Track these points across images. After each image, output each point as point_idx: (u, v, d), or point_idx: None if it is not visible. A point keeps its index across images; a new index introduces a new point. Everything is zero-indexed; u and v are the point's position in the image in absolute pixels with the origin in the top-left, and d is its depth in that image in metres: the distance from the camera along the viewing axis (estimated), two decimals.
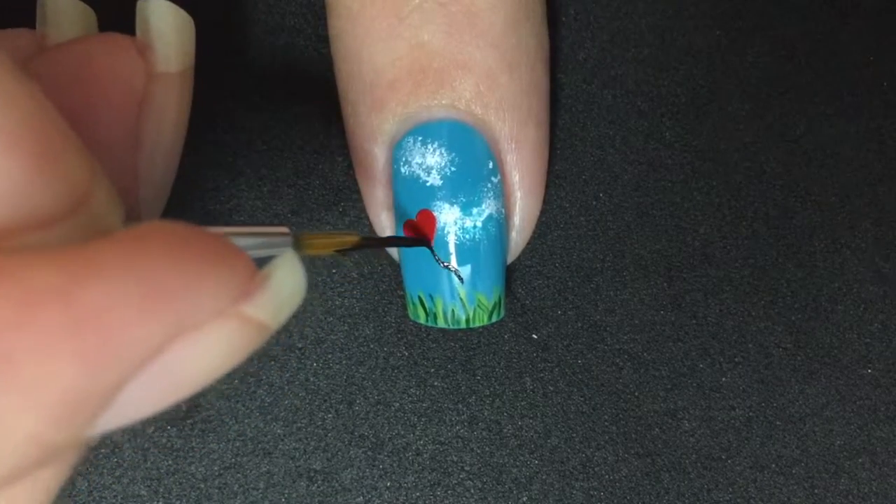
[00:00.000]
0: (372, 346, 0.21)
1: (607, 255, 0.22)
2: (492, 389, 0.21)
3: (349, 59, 0.19)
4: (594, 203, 0.22)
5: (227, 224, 0.13)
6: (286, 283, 0.12)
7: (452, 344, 0.21)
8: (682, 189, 0.22)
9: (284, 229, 0.14)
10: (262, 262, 0.12)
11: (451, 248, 0.19)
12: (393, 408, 0.21)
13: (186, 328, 0.10)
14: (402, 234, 0.19)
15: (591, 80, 0.22)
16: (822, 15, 0.22)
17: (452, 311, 0.19)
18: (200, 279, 0.10)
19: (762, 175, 0.22)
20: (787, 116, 0.22)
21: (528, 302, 0.22)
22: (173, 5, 0.15)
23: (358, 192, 0.21)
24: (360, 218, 0.21)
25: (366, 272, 0.21)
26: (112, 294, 0.09)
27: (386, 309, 0.21)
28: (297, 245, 0.14)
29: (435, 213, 0.19)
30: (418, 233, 0.19)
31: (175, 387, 0.11)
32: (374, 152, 0.19)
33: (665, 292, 0.22)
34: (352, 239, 0.16)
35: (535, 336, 0.21)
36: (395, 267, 0.21)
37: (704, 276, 0.22)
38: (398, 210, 0.19)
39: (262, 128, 0.21)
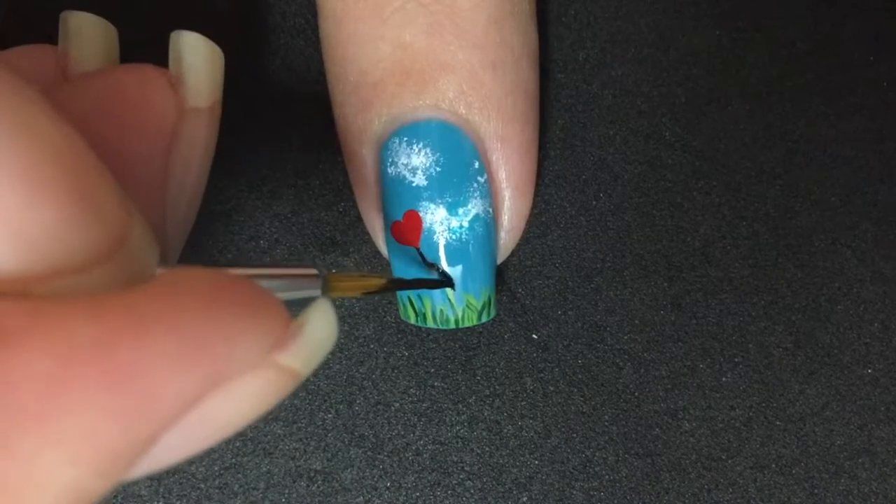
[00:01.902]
0: (372, 346, 0.21)
1: (607, 255, 0.22)
2: (492, 389, 0.21)
3: (336, 61, 0.19)
4: (594, 203, 0.22)
5: (258, 265, 0.13)
6: (319, 332, 0.12)
7: (452, 344, 0.21)
8: (682, 189, 0.22)
9: (314, 271, 0.14)
10: (290, 303, 0.12)
11: (439, 249, 0.19)
12: (393, 408, 0.21)
13: (224, 379, 0.10)
14: (390, 235, 0.19)
15: (591, 80, 0.22)
16: (822, 15, 0.22)
17: (441, 311, 0.19)
18: (237, 331, 0.10)
19: (762, 175, 0.22)
20: (787, 116, 0.22)
21: (528, 302, 0.22)
22: (206, 39, 0.15)
23: None
24: (360, 218, 0.21)
25: (366, 273, 0.21)
26: (149, 349, 0.09)
27: (386, 309, 0.21)
28: (326, 287, 0.14)
29: (421, 214, 0.19)
30: (405, 234, 0.19)
31: (209, 434, 0.11)
32: (363, 153, 0.19)
33: (665, 292, 0.22)
34: (378, 282, 0.16)
35: (535, 336, 0.21)
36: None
37: (704, 276, 0.22)
38: (386, 211, 0.19)
39: (262, 128, 0.21)
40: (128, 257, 0.10)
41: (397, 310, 0.21)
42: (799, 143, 0.22)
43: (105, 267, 0.10)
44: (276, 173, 0.21)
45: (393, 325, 0.21)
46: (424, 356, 0.21)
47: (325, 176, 0.21)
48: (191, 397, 0.10)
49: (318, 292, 0.14)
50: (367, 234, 0.21)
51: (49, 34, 0.15)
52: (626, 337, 0.21)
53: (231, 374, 0.10)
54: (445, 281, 0.19)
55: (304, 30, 0.21)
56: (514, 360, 0.21)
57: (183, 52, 0.14)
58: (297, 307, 0.13)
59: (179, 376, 0.10)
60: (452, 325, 0.19)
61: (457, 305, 0.19)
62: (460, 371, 0.21)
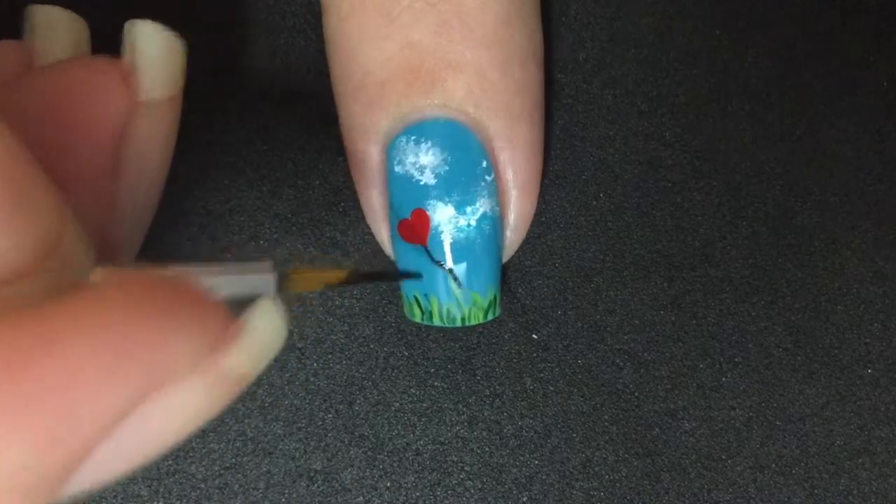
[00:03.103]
0: (372, 346, 0.21)
1: (607, 255, 0.22)
2: (492, 389, 0.21)
3: (341, 60, 0.19)
4: (594, 203, 0.22)
5: (207, 260, 0.13)
6: (265, 331, 0.11)
7: (452, 344, 0.21)
8: (682, 189, 0.22)
9: (267, 266, 0.13)
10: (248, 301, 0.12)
11: (446, 247, 0.19)
12: (393, 408, 0.21)
13: (156, 387, 0.10)
14: (397, 234, 0.19)
15: (591, 80, 0.22)
16: (822, 15, 0.22)
17: (448, 310, 0.19)
18: (168, 335, 0.10)
19: (762, 175, 0.22)
20: (787, 116, 0.22)
21: (528, 302, 0.22)
22: (162, 27, 0.14)
23: None
24: (361, 218, 0.21)
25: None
26: (64, 364, 0.09)
27: (386, 309, 0.21)
28: (283, 283, 0.13)
29: (429, 212, 0.19)
30: (413, 232, 0.19)
31: (150, 444, 0.10)
32: (369, 152, 0.19)
33: (665, 292, 0.22)
34: (339, 274, 0.16)
35: (535, 336, 0.21)
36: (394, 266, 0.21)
37: (704, 276, 0.22)
38: (392, 210, 0.19)
39: (262, 128, 0.21)
40: (60, 262, 0.09)
41: (400, 308, 0.21)
42: (799, 143, 0.22)
43: (34, 276, 0.09)
44: (276, 173, 0.21)
45: (393, 325, 0.21)
46: (424, 356, 0.21)
47: (325, 176, 0.21)
48: (119, 409, 0.09)
49: (271, 289, 0.13)
50: (368, 233, 0.21)
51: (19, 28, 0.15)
52: (626, 337, 0.21)
53: (164, 381, 0.10)
54: (410, 273, 0.19)
55: (304, 29, 0.21)
56: (514, 360, 0.21)
57: (136, 42, 0.14)
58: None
59: (102, 390, 0.09)
60: (458, 324, 0.19)
61: (464, 304, 0.19)
62: (460, 371, 0.21)
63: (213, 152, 0.21)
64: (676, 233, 0.22)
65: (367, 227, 0.21)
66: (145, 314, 0.10)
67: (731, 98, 0.22)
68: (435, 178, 0.19)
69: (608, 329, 0.21)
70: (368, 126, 0.19)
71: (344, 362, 0.21)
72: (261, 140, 0.21)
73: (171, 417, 0.10)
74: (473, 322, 0.20)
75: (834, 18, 0.22)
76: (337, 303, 0.21)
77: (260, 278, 0.13)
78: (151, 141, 0.14)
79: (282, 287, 0.13)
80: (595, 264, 0.22)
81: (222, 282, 0.13)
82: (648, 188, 0.22)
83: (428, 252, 0.19)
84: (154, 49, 0.14)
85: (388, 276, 0.19)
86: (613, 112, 0.22)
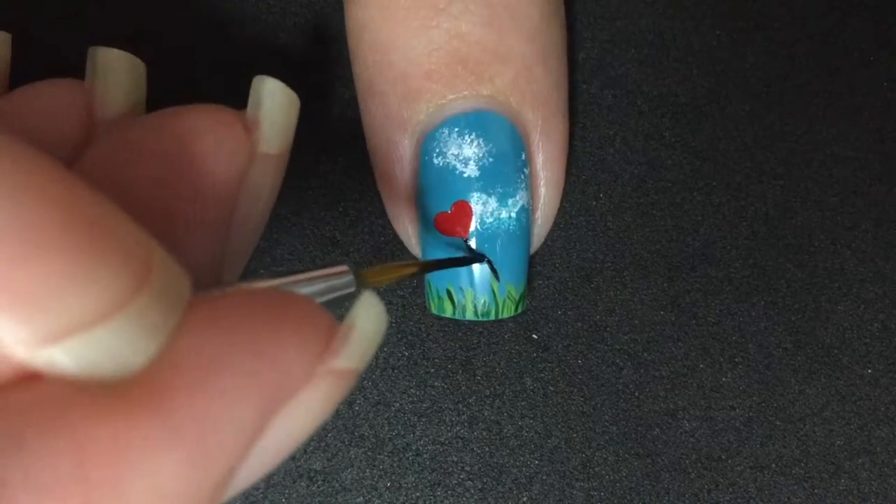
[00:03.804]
0: None
1: (607, 256, 0.22)
2: (492, 389, 0.21)
3: (379, 49, 0.19)
4: (594, 203, 0.22)
5: (286, 273, 0.13)
6: (370, 326, 0.12)
7: (452, 344, 0.21)
8: (682, 189, 0.22)
9: (344, 268, 0.14)
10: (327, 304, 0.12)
11: (487, 240, 0.19)
12: (393, 408, 0.21)
13: (284, 399, 0.10)
14: (433, 226, 0.19)
15: (591, 80, 0.22)
16: (822, 15, 0.22)
17: (484, 302, 0.19)
18: (284, 350, 0.10)
19: (762, 175, 0.22)
20: (788, 116, 0.22)
21: (528, 302, 0.22)
22: (286, 87, 0.14)
23: (358, 192, 0.21)
24: (361, 218, 0.21)
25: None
26: (199, 396, 0.09)
27: (386, 309, 0.21)
28: (359, 283, 0.14)
29: (472, 204, 0.19)
30: (454, 225, 0.19)
31: (283, 450, 0.11)
32: (404, 143, 0.19)
33: (665, 292, 0.22)
34: (411, 270, 0.16)
35: (535, 336, 0.21)
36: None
37: (704, 276, 0.22)
38: (429, 203, 0.19)
39: None
40: (154, 290, 0.10)
41: (405, 310, 0.21)
42: (799, 143, 0.22)
43: (130, 307, 0.10)
44: None
45: (393, 325, 0.21)
46: (424, 356, 0.21)
47: (325, 176, 0.21)
48: (254, 429, 0.10)
49: (352, 288, 0.14)
50: (368, 233, 0.21)
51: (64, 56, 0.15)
52: (625, 337, 0.21)
53: (289, 394, 0.10)
54: (475, 258, 0.19)
55: (305, 28, 0.21)
56: (514, 360, 0.21)
57: (262, 97, 0.14)
58: (334, 307, 0.12)
59: (237, 414, 0.10)
60: (492, 317, 0.20)
61: (499, 296, 0.19)
62: (460, 371, 0.21)
63: None
64: (676, 233, 0.22)
65: (367, 226, 0.21)
66: (259, 333, 0.10)
67: (731, 98, 0.22)
68: (479, 170, 0.19)
69: (608, 329, 0.21)
70: (406, 117, 0.19)
71: None
72: None
73: (298, 424, 0.11)
74: (506, 315, 0.20)
75: (834, 18, 0.22)
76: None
77: (339, 280, 0.14)
78: (262, 191, 0.14)
79: (359, 285, 0.14)
80: (595, 264, 0.22)
81: (304, 289, 0.13)
82: (648, 188, 0.22)
83: (466, 244, 0.19)
84: (277, 107, 0.14)
85: (457, 262, 0.19)
86: (613, 112, 0.22)
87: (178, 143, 0.13)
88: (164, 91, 0.15)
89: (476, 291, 0.19)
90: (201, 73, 0.21)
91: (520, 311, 0.20)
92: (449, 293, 0.20)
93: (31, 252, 0.09)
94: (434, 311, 0.20)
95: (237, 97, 0.22)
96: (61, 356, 0.09)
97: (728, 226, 0.22)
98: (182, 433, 0.09)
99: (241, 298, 0.11)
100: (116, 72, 0.15)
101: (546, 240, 0.21)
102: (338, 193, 0.21)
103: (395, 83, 0.19)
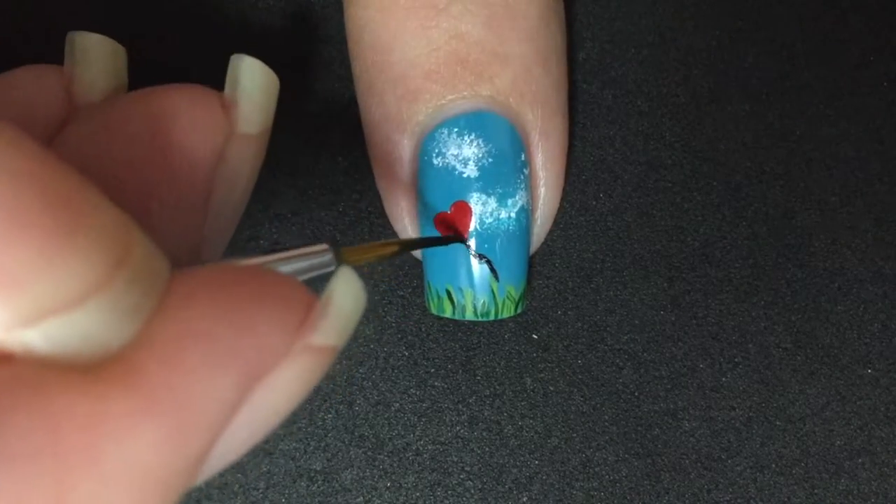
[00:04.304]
0: (372, 346, 0.21)
1: (607, 255, 0.22)
2: (492, 389, 0.21)
3: (379, 48, 0.19)
4: (594, 203, 0.22)
5: (266, 252, 0.13)
6: (348, 302, 0.12)
7: (452, 344, 0.21)
8: (682, 189, 0.22)
9: (324, 246, 0.14)
10: (309, 282, 0.12)
11: (487, 240, 0.19)
12: (393, 408, 0.21)
13: (261, 373, 0.10)
14: (432, 228, 0.19)
15: (592, 80, 0.22)
16: (822, 15, 0.22)
17: (483, 302, 0.19)
18: (261, 324, 0.10)
19: (762, 175, 0.22)
20: (787, 116, 0.22)
21: (528, 302, 0.22)
22: (264, 65, 0.14)
23: (358, 192, 0.21)
24: (360, 218, 0.21)
25: (365, 272, 0.21)
26: (175, 369, 0.09)
27: (386, 309, 0.21)
28: (340, 259, 0.14)
29: (471, 205, 0.19)
30: (451, 226, 0.19)
31: (262, 426, 0.11)
32: (403, 143, 0.19)
33: (665, 292, 0.22)
34: (391, 248, 0.16)
35: (535, 336, 0.21)
36: (395, 267, 0.21)
37: (704, 276, 0.22)
38: (428, 203, 0.19)
39: None
40: (132, 270, 0.10)
41: (404, 310, 0.21)
42: (799, 143, 0.22)
43: (107, 289, 0.09)
44: (275, 174, 0.21)
45: (393, 325, 0.21)
46: (424, 356, 0.21)
47: (325, 176, 0.21)
48: (231, 403, 0.10)
49: (332, 267, 0.14)
50: (368, 233, 0.21)
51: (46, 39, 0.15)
52: (625, 337, 0.21)
53: (266, 368, 0.10)
54: (455, 237, 0.19)
55: (302, 30, 0.21)
56: (514, 360, 0.21)
57: (240, 76, 0.14)
58: (316, 286, 0.12)
59: (214, 387, 0.10)
60: (491, 317, 0.20)
61: (499, 296, 0.19)
62: (460, 371, 0.21)
63: None
64: (676, 233, 0.22)
65: (367, 226, 0.21)
66: (235, 308, 0.10)
67: (731, 98, 0.22)
68: (479, 170, 0.19)
69: (608, 329, 0.21)
70: (406, 117, 0.19)
71: (344, 362, 0.21)
72: None
73: (276, 399, 0.11)
74: (505, 315, 0.20)
75: (833, 18, 0.22)
76: None
77: (319, 259, 0.13)
78: (241, 171, 0.14)
79: (339, 263, 0.14)
80: (595, 264, 0.22)
81: (286, 268, 0.13)
82: (648, 188, 0.22)
83: (466, 245, 0.19)
84: (256, 86, 0.14)
85: (435, 241, 0.19)
86: (613, 112, 0.22)
87: (153, 122, 0.13)
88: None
89: (476, 291, 0.19)
90: (196, 73, 0.21)
91: (519, 311, 0.20)
92: (448, 293, 0.20)
93: (6, 232, 0.08)
94: (434, 311, 0.20)
95: None
96: (37, 338, 0.09)
97: (728, 226, 0.22)
98: (158, 406, 0.09)
99: (219, 274, 0.11)
100: (96, 55, 0.14)
101: (546, 240, 0.21)
102: (337, 194, 0.21)
103: (394, 83, 0.19)
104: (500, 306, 0.19)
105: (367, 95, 0.19)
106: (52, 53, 0.15)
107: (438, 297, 0.20)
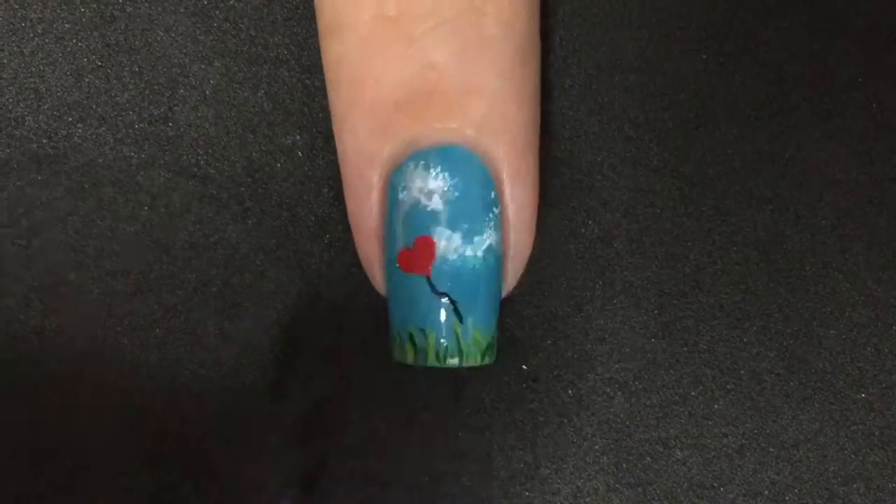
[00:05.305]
0: (358, 379, 0.21)
1: (597, 283, 0.21)
2: (480, 421, 0.21)
3: (352, 82, 0.18)
4: (583, 231, 0.22)
5: None
6: None
7: (440, 376, 0.21)
8: (672, 215, 0.22)
9: None
10: None
11: (451, 278, 0.18)
12: (381, 441, 0.21)
13: None
14: (396, 264, 0.19)
15: (578, 106, 0.22)
16: (810, 38, 0.22)
17: (446, 347, 0.18)
18: None
19: (752, 200, 0.22)
20: (777, 140, 0.22)
21: (517, 332, 0.21)
22: None
23: (344, 223, 0.21)
24: (347, 250, 0.21)
25: (350, 302, 0.21)
26: None
27: (372, 340, 0.21)
28: None
29: (435, 240, 0.18)
30: (415, 261, 0.18)
31: None
32: (373, 179, 0.19)
33: (656, 319, 0.21)
34: None
35: (524, 367, 0.21)
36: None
37: (696, 303, 0.21)
38: (394, 239, 0.19)
39: (246, 160, 0.21)
40: None
41: (390, 351, 0.21)
42: (788, 166, 0.22)
43: None
44: (260, 205, 0.21)
45: (379, 356, 0.21)
46: (411, 389, 0.21)
47: (309, 207, 0.21)
48: None
49: None
50: (354, 265, 0.21)
51: None
52: (616, 366, 0.21)
53: None
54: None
55: (287, 60, 0.21)
56: (504, 391, 0.21)
57: None
58: None
59: None
60: (455, 363, 0.18)
61: (462, 340, 0.18)
62: (448, 403, 0.21)
63: (196, 186, 0.21)
64: (666, 259, 0.22)
65: (351, 259, 0.21)
66: None
67: (720, 123, 0.22)
68: (444, 203, 0.18)
69: (598, 358, 0.21)
70: (375, 151, 0.18)
71: (332, 395, 0.21)
72: (245, 172, 0.21)
73: None
74: (470, 362, 0.19)
75: (822, 40, 0.22)
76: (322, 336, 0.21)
77: None
78: None
79: None
80: (585, 292, 0.21)
81: None
82: (637, 215, 0.22)
83: (430, 283, 0.18)
84: None
85: None
86: (600, 138, 0.22)
87: None
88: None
89: (438, 333, 0.18)
90: (183, 105, 0.21)
91: (487, 362, 0.19)
92: (411, 336, 0.18)
93: None
94: (397, 356, 0.19)
95: (221, 128, 0.22)
96: None
97: (718, 251, 0.22)
98: None
99: None
100: None
101: (535, 269, 0.21)
102: (322, 225, 0.21)
103: (365, 116, 0.18)
104: (464, 352, 0.18)
105: (339, 130, 0.19)
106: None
107: (401, 341, 0.19)
